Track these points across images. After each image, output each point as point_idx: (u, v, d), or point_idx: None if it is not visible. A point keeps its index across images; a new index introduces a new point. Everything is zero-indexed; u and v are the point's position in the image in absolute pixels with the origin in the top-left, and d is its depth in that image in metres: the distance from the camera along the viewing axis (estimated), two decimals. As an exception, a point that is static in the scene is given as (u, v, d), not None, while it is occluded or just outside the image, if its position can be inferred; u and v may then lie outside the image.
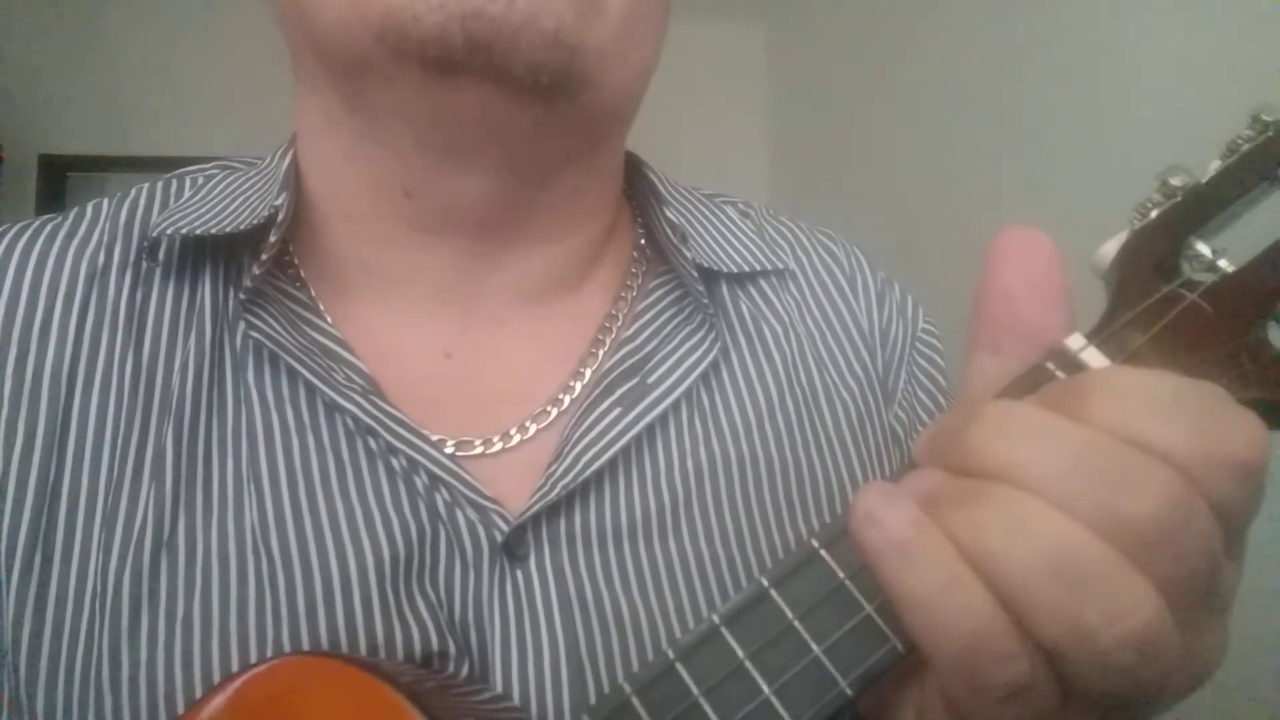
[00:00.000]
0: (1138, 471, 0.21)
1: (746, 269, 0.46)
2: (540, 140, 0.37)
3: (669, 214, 0.44)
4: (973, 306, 0.28)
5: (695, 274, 0.43)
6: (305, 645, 0.34)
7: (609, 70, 0.36)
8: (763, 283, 0.47)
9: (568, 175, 0.41)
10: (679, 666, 0.27)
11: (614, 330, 0.44)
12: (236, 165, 0.46)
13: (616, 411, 0.40)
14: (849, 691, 0.26)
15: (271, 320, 0.38)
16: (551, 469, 0.38)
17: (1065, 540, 0.21)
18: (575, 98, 0.35)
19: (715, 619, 0.27)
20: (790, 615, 0.26)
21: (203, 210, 0.40)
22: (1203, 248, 0.26)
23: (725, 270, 0.45)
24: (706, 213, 0.49)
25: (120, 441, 0.36)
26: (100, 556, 0.34)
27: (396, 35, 0.33)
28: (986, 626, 0.22)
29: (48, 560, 0.34)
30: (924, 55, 1.80)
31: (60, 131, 2.54)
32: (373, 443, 0.37)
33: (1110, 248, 0.27)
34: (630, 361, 0.42)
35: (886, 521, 0.23)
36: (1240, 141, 0.26)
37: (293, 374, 0.38)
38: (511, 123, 0.35)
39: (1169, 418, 0.22)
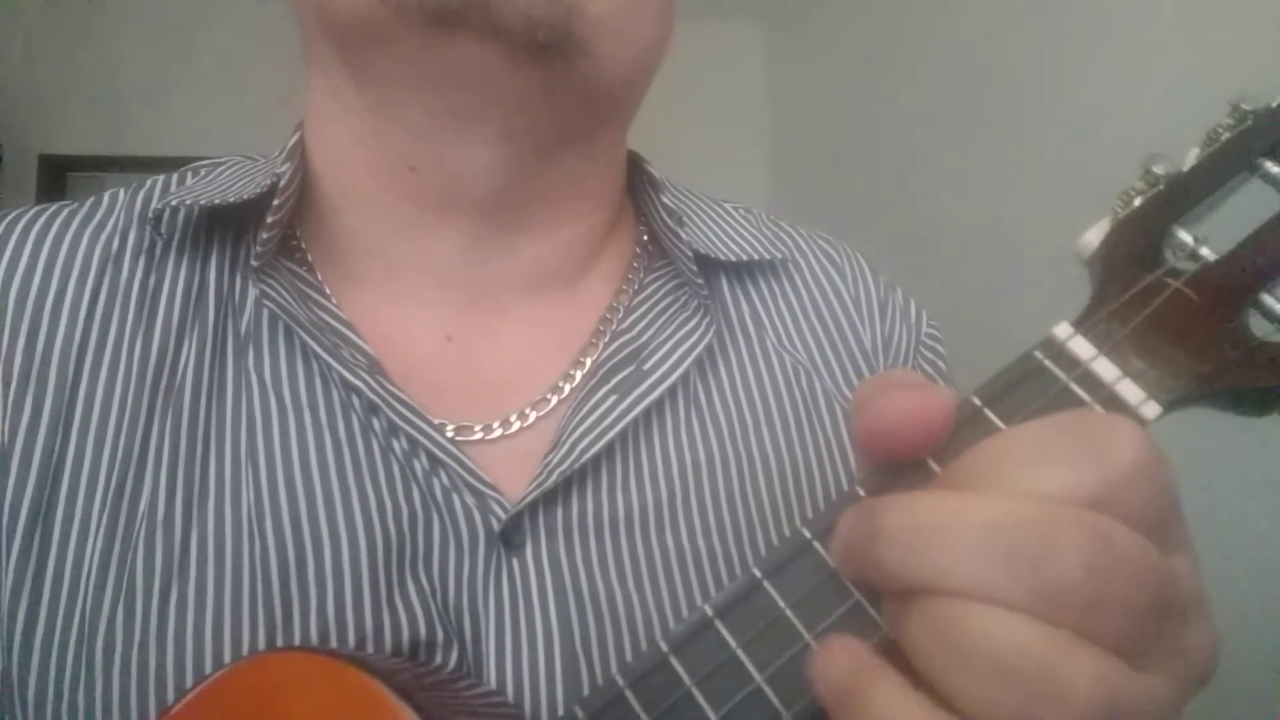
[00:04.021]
0: (1048, 534, 0.21)
1: (744, 258, 0.46)
2: (538, 111, 0.38)
3: (665, 200, 0.45)
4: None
5: (689, 254, 0.43)
6: (297, 630, 0.34)
7: (606, 42, 0.37)
8: (762, 285, 0.47)
9: (567, 157, 0.41)
10: (672, 659, 0.26)
11: (614, 322, 0.44)
12: (252, 157, 0.46)
13: (613, 399, 0.40)
14: None
15: (285, 293, 0.39)
16: (549, 456, 0.38)
17: (998, 641, 0.20)
18: (572, 65, 0.36)
19: (708, 610, 0.27)
20: (782, 604, 0.26)
21: (209, 188, 0.41)
22: (1185, 236, 0.26)
23: (723, 258, 0.45)
24: (705, 206, 0.50)
25: (126, 424, 0.36)
26: (100, 537, 0.35)
27: None
28: None
29: (47, 539, 0.34)
30: (923, 55, 1.80)
31: (60, 131, 2.54)
32: (375, 422, 0.38)
33: (1093, 235, 0.28)
34: (626, 351, 0.42)
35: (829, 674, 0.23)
36: (1220, 130, 0.26)
37: (298, 350, 0.38)
38: (510, 87, 0.36)
39: (1046, 463, 0.22)
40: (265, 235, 0.38)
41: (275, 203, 0.39)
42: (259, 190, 0.40)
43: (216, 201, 0.39)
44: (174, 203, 0.39)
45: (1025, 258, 1.39)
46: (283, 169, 0.40)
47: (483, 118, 0.37)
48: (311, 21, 0.40)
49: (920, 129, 1.80)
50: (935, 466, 0.25)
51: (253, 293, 0.40)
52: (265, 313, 0.39)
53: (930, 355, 0.49)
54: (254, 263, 0.38)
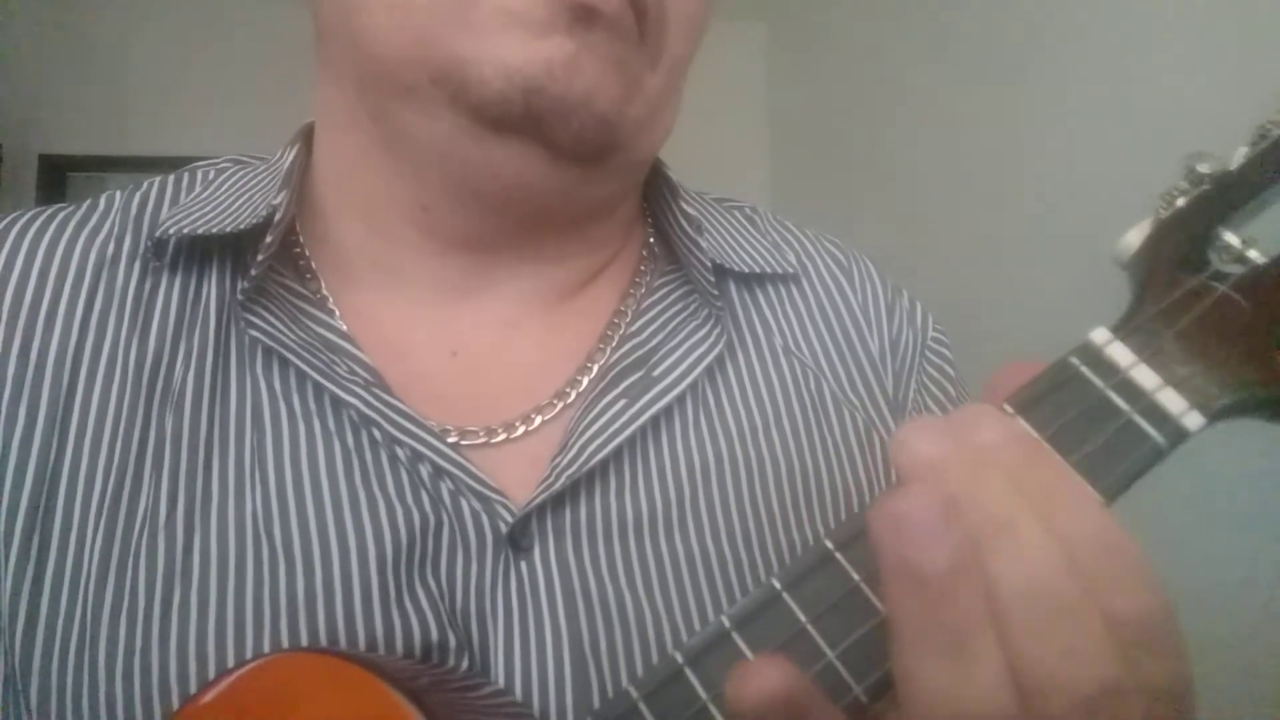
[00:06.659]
0: None
1: (755, 270, 0.46)
2: (570, 199, 0.40)
3: (685, 207, 0.45)
4: None
5: (708, 265, 0.43)
6: (304, 635, 0.34)
7: (640, 137, 0.39)
8: (770, 289, 0.47)
9: (591, 222, 0.43)
10: (687, 671, 0.26)
11: (622, 327, 0.44)
12: (248, 160, 0.46)
13: (622, 403, 0.40)
14: (863, 698, 0.25)
15: (272, 317, 0.38)
16: (556, 459, 0.38)
17: None
18: (606, 161, 0.38)
19: (725, 621, 0.26)
20: (803, 618, 0.26)
21: (206, 210, 0.40)
22: (1231, 238, 0.25)
23: (735, 269, 0.45)
24: (716, 213, 0.50)
25: (122, 429, 0.36)
26: (98, 542, 0.34)
27: (456, 86, 0.35)
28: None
29: (45, 543, 0.34)
30: (924, 53, 1.80)
31: (60, 131, 2.53)
32: (377, 433, 0.37)
33: (1133, 237, 0.27)
34: (636, 355, 0.42)
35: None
36: (1270, 126, 0.25)
37: (296, 368, 0.38)
38: (547, 184, 0.38)
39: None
40: (255, 273, 0.38)
41: (267, 240, 0.38)
42: (255, 220, 0.39)
43: (214, 231, 0.39)
44: (172, 231, 0.39)
45: (1031, 258, 1.38)
46: (278, 200, 0.39)
47: (510, 204, 0.39)
48: (340, 50, 0.39)
49: (922, 129, 1.80)
50: None
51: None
52: (256, 339, 0.39)
53: (936, 360, 0.49)
54: (239, 297, 0.38)
